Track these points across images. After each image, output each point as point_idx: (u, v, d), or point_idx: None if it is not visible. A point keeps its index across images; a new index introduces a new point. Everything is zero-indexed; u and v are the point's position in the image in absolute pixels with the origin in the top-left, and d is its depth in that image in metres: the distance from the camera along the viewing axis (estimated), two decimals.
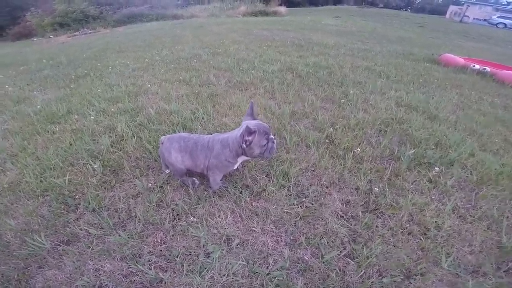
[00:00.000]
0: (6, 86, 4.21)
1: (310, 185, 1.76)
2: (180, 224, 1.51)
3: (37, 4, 17.87)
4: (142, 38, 8.21)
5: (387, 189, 1.73)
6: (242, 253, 1.35)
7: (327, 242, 1.41)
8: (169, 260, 1.33)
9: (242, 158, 1.56)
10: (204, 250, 1.37)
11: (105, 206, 1.65)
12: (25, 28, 15.83)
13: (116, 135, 2.32)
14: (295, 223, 1.51)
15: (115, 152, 2.11)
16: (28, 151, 2.21)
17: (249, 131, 1.38)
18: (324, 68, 4.28)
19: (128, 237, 1.44)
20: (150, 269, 1.29)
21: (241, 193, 1.68)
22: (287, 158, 1.96)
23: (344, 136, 2.26)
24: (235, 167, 1.63)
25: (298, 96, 3.10)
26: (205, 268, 1.28)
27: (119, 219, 1.57)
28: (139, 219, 1.54)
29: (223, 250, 1.36)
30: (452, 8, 26.41)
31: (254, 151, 1.44)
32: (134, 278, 1.26)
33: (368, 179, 1.82)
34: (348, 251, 1.37)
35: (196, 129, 2.34)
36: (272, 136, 1.47)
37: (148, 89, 3.40)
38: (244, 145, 1.42)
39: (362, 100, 3.07)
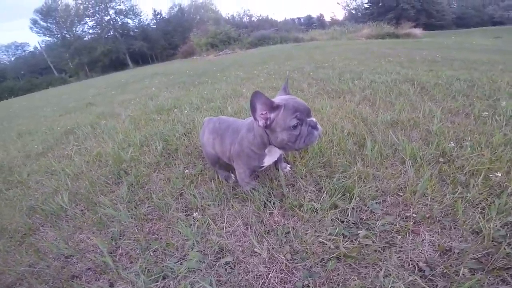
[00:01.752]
0: (153, 88, 5.58)
1: (385, 215, 1.11)
2: (181, 217, 1.29)
3: (198, 25, 22.64)
4: (261, 56, 9.06)
5: None
6: (224, 277, 0.94)
7: None
8: (142, 250, 1.14)
9: (272, 150, 1.16)
10: (183, 254, 1.08)
11: (139, 183, 1.65)
12: (190, 47, 19.63)
13: (189, 126, 2.44)
14: (324, 264, 0.93)
15: (182, 139, 2.18)
16: (127, 131, 2.64)
17: (270, 104, 0.97)
18: (464, 81, 3.16)
19: (133, 218, 1.35)
20: (113, 253, 1.15)
21: (269, 200, 1.25)
22: (354, 172, 1.36)
23: (476, 157, 1.41)
24: (265, 163, 1.23)
25: (411, 106, 2.33)
26: (161, 275, 1.00)
27: (139, 198, 1.51)
28: (152, 202, 1.44)
29: (203, 262, 1.01)
30: None
31: (279, 136, 1.01)
32: (92, 256, 1.16)
33: (504, 222, 0.99)
34: None
35: None
36: (313, 119, 1.01)
37: (243, 93, 3.56)
38: (261, 124, 1.01)
39: None
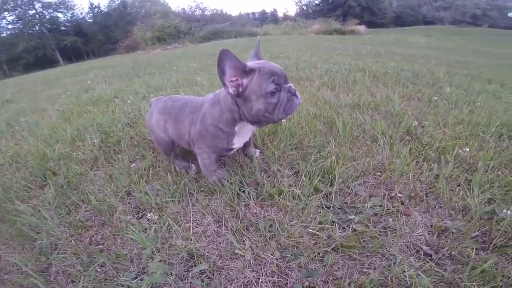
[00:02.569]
0: (88, 82, 4.85)
1: (370, 197, 1.01)
2: (131, 221, 1.02)
3: (143, 19, 21.05)
4: (215, 49, 8.70)
5: None
6: None
7: None
8: (84, 266, 0.87)
9: (243, 128, 0.98)
10: (141, 267, 0.83)
11: (73, 184, 1.32)
12: (133, 41, 17.99)
13: (134, 116, 2.08)
14: (322, 257, 0.79)
15: (126, 130, 1.84)
16: (54, 126, 2.16)
17: (242, 68, 0.80)
18: (408, 71, 3.39)
19: (66, 226, 1.04)
20: (45, 272, 0.86)
21: (242, 190, 1.06)
22: (331, 152, 1.25)
23: (439, 134, 1.42)
24: (235, 145, 1.04)
25: (367, 91, 2.35)
26: None
27: (71, 202, 1.20)
28: (89, 205, 1.14)
29: (170, 274, 0.78)
30: None
31: (254, 106, 0.84)
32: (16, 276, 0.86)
33: (487, 198, 0.97)
34: None
35: None
36: (291, 85, 0.86)
37: (197, 82, 3.28)
38: (232, 91, 0.83)
39: (465, 101, 2.12)
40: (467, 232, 0.84)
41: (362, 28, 16.50)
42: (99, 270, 0.84)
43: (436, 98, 2.13)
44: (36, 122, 2.45)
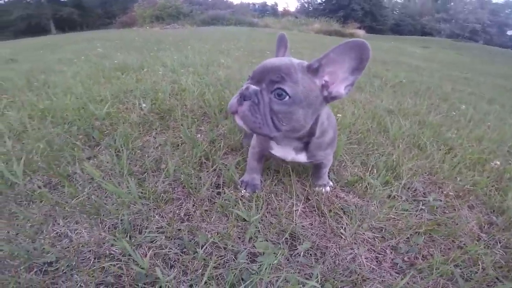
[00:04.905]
0: (99, 50, 4.64)
1: (429, 192, 1.16)
2: (223, 197, 1.00)
3: None
4: (221, 34, 8.56)
5: None
6: (315, 267, 0.78)
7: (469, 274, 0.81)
8: (182, 250, 0.80)
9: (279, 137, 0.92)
10: (248, 247, 0.82)
11: (132, 149, 1.27)
12: (130, 18, 17.71)
13: (178, 88, 2.08)
14: (409, 238, 0.91)
15: (171, 99, 1.85)
16: (82, 87, 2.09)
17: None
18: (420, 83, 3.61)
19: (140, 197, 0.97)
20: (142, 258, 0.74)
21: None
22: (390, 152, 1.39)
23: (470, 147, 1.61)
24: (273, 150, 0.96)
25: (393, 98, 2.51)
26: (245, 281, 0.71)
27: (141, 168, 1.15)
28: (168, 175, 1.09)
29: (281, 254, 0.79)
30: None
31: None
32: (106, 264, 0.74)
33: None
34: None
35: None
36: (248, 85, 0.71)
37: (222, 64, 3.28)
38: None
39: (478, 119, 2.34)
40: (508, 227, 1.01)
41: (361, 32, 16.89)
42: (203, 253, 0.77)
43: (454, 113, 2.33)
44: (60, 81, 2.36)
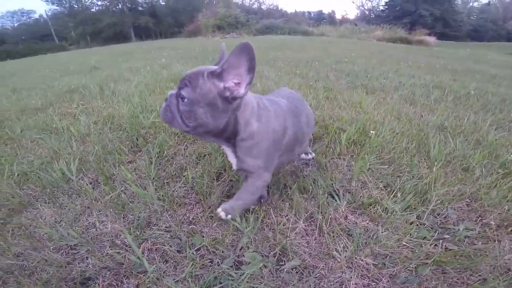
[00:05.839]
0: (163, 60, 5.25)
1: (461, 220, 1.00)
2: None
3: (207, 6, 22.17)
4: (272, 43, 8.74)
5: None
6: (296, 286, 0.76)
7: None
8: (178, 249, 0.88)
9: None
10: (237, 255, 0.86)
11: (165, 156, 1.42)
12: (196, 27, 19.05)
13: None
14: (416, 268, 0.80)
15: None
16: (139, 97, 2.39)
17: None
18: (494, 94, 3.05)
19: (158, 198, 1.09)
20: (142, 251, 0.85)
21: (332, 196, 1.09)
22: (425, 175, 1.22)
23: None
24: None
25: (452, 112, 2.19)
26: (221, 283, 0.76)
27: (167, 173, 1.28)
28: (186, 181, 1.20)
29: (265, 266, 0.81)
30: None
31: None
32: (109, 249, 0.88)
33: None
34: None
35: None
36: (171, 92, 0.84)
37: (264, 75, 3.35)
38: None
39: None
40: None
41: (432, 39, 15.13)
42: (194, 253, 0.85)
43: None
44: (125, 90, 2.75)
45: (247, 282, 0.75)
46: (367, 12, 34.39)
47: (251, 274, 0.78)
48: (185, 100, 0.77)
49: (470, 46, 15.13)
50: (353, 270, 0.80)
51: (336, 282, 0.78)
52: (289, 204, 1.06)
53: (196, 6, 28.31)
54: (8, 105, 2.70)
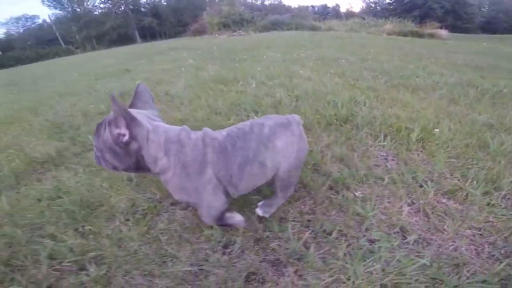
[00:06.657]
0: (190, 60, 5.41)
1: None
2: (338, 197, 1.27)
3: (210, 4, 22.07)
4: (285, 40, 8.82)
5: None
6: (422, 252, 1.00)
7: None
8: (317, 233, 1.10)
9: None
10: (365, 236, 1.07)
11: None
12: (201, 25, 19.04)
13: (274, 100, 2.40)
14: (506, 237, 1.05)
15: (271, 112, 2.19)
16: (202, 99, 2.58)
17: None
18: None
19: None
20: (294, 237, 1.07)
21: (421, 186, 1.33)
22: (490, 166, 1.44)
23: None
24: None
25: (494, 110, 2.34)
26: (367, 257, 0.98)
27: None
28: None
29: (393, 242, 1.03)
30: None
31: None
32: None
33: None
34: None
35: (357, 113, 2.11)
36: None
37: (301, 75, 3.50)
38: None
39: None
40: None
41: (444, 32, 14.97)
42: (331, 237, 1.06)
43: None
44: (179, 93, 2.94)
45: (383, 253, 0.99)
46: (372, 5, 34.02)
47: (388, 248, 1.00)
48: (95, 147, 0.90)
49: (484, 39, 14.94)
50: (460, 240, 1.04)
51: (451, 248, 1.02)
52: (389, 191, 1.29)
53: (198, 5, 28.29)
54: (67, 111, 2.90)
